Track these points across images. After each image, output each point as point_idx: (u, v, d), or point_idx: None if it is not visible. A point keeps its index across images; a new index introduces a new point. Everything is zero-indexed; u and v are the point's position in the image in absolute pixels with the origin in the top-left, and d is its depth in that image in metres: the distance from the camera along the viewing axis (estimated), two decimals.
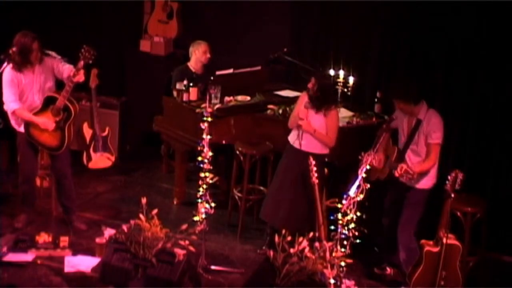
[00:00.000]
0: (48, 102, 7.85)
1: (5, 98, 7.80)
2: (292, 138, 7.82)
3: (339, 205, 7.01)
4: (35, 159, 8.28)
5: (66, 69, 7.84)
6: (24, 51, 7.68)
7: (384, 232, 7.67)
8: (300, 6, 9.46)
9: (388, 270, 7.81)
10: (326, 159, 7.99)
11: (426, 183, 7.37)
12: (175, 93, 8.88)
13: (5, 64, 7.68)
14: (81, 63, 7.68)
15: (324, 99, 7.67)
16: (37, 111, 7.85)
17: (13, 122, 7.98)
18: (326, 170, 8.00)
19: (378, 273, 7.76)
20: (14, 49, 7.69)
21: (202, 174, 7.57)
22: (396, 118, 7.59)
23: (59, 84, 7.99)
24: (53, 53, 7.96)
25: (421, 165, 7.29)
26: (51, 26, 9.28)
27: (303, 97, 7.76)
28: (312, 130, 7.64)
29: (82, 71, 7.70)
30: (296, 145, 7.74)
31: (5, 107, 7.86)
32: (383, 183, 7.57)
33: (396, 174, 7.26)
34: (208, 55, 9.16)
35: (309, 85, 7.68)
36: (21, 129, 7.95)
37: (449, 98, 8.47)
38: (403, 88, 7.46)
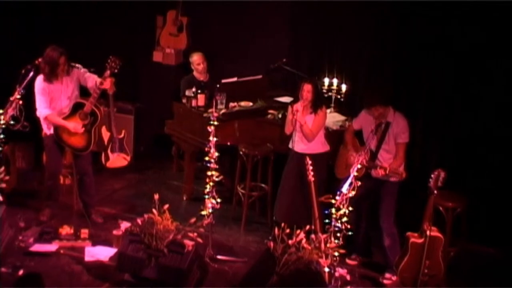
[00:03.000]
0: (76, 107, 7.92)
1: (38, 105, 7.86)
2: (292, 144, 7.85)
3: (333, 201, 6.99)
4: (60, 158, 8.30)
5: (89, 78, 7.90)
6: (52, 64, 7.71)
7: (357, 219, 7.57)
8: (298, 20, 9.46)
9: (358, 259, 7.81)
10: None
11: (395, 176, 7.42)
12: (184, 100, 8.88)
13: (31, 73, 7.71)
14: (108, 72, 7.76)
15: (319, 101, 7.79)
16: (66, 116, 7.91)
17: (44, 126, 8.02)
18: None
19: (350, 264, 7.71)
20: (40, 59, 7.72)
21: (209, 173, 7.58)
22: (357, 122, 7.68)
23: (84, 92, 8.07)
24: (78, 65, 8.01)
25: (394, 163, 7.35)
26: (74, 40, 9.26)
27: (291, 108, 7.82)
28: (303, 121, 7.67)
29: (109, 79, 7.78)
30: (300, 150, 7.78)
31: (38, 113, 7.90)
32: None
33: (380, 174, 7.28)
34: (202, 65, 9.16)
35: (305, 93, 7.69)
36: (51, 131, 7.99)
37: (432, 106, 8.51)
38: (380, 94, 7.50)
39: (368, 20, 8.88)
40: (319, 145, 7.82)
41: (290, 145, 7.90)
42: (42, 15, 9.71)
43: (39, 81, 7.80)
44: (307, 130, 7.70)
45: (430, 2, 8.16)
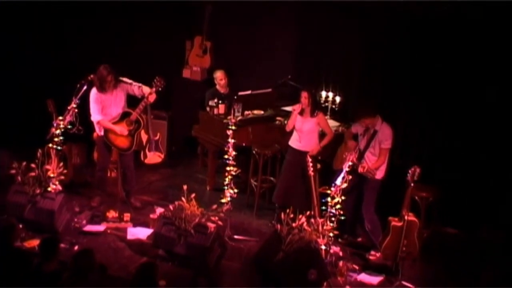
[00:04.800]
0: (124, 115, 7.99)
1: (92, 111, 7.95)
2: (292, 142, 7.89)
3: (329, 191, 7.05)
4: (108, 155, 8.37)
5: (135, 88, 7.97)
6: (100, 79, 7.81)
7: (347, 207, 7.45)
8: (301, 44, 9.47)
9: (349, 239, 7.80)
10: (319, 157, 8.05)
11: (378, 174, 7.43)
12: (208, 109, 8.94)
13: (85, 87, 7.77)
14: (154, 89, 7.84)
15: (315, 106, 7.80)
16: (115, 121, 7.99)
17: (97, 129, 8.12)
18: (319, 165, 8.04)
19: (342, 243, 7.70)
20: (92, 76, 7.81)
21: (228, 168, 7.63)
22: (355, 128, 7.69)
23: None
24: (126, 79, 8.04)
25: (376, 164, 7.37)
26: (122, 60, 9.26)
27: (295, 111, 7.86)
28: (319, 148, 7.76)
29: (153, 95, 7.87)
30: (297, 147, 7.82)
31: (92, 118, 7.99)
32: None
33: (360, 171, 7.33)
34: (224, 80, 9.14)
35: (302, 98, 7.75)
36: (101, 133, 8.07)
37: (411, 113, 8.52)
38: (367, 108, 7.51)
39: (358, 44, 8.90)
40: (313, 144, 7.86)
41: (290, 143, 7.94)
42: (103, 39, 9.74)
43: (94, 91, 7.89)
44: (327, 140, 7.82)
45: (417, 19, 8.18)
